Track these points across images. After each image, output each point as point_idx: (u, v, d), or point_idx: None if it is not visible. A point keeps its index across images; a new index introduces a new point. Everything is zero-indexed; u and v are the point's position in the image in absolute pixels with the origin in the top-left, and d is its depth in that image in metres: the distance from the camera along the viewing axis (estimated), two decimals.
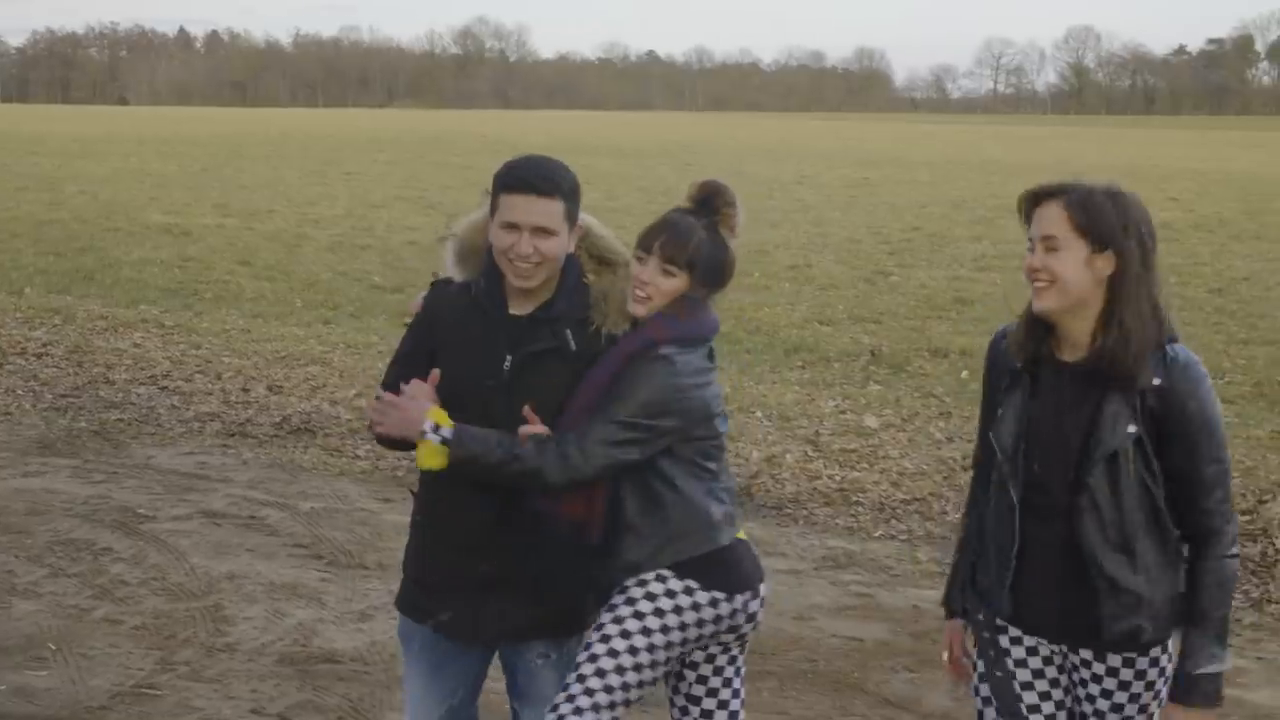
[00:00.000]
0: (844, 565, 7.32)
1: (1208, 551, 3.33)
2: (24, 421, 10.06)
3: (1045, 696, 3.52)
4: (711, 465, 3.59)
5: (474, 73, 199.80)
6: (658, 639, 3.52)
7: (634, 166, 41.54)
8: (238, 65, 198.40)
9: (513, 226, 3.52)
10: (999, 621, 3.53)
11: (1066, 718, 3.54)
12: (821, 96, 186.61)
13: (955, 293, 16.53)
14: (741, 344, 13.08)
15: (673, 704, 3.76)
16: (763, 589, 3.67)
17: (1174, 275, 18.17)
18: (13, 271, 17.72)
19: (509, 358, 3.60)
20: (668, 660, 3.58)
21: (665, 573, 3.54)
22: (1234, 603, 6.55)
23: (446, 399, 3.57)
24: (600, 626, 3.56)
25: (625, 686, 3.52)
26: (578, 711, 3.47)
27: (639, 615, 3.52)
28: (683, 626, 3.54)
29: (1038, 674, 3.52)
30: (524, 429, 3.51)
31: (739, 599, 3.58)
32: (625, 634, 3.52)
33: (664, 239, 3.52)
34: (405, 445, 3.59)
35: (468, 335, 3.65)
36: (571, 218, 3.61)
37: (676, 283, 3.52)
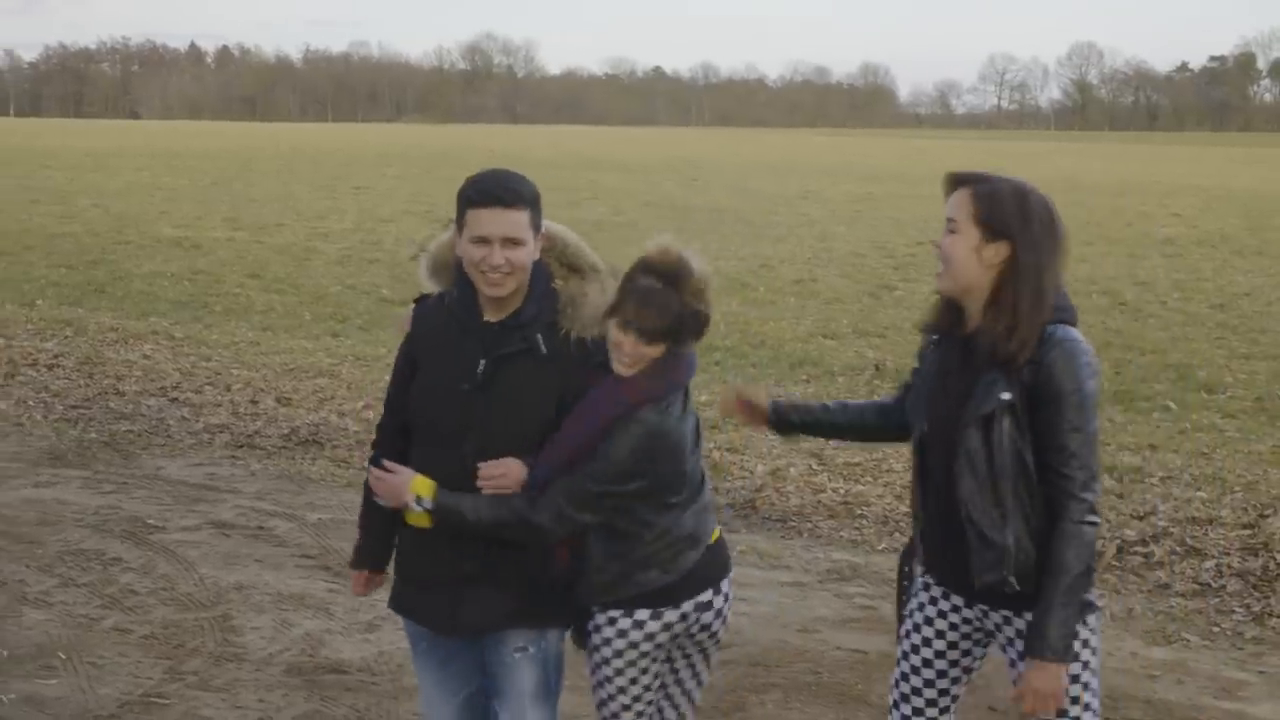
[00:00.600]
0: (848, 578, 7.35)
1: (1065, 515, 3.50)
2: (35, 432, 10.12)
3: (940, 655, 3.82)
4: (674, 499, 3.76)
5: (481, 88, 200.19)
6: (628, 675, 3.84)
7: (639, 181, 41.61)
8: (248, 80, 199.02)
9: (483, 240, 3.66)
10: (921, 577, 3.86)
11: (961, 673, 3.85)
12: (826, 112, 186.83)
13: None
14: (747, 358, 13.14)
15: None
16: (724, 584, 3.90)
17: (1177, 290, 18.25)
18: (25, 284, 17.82)
19: (483, 362, 3.76)
20: (656, 676, 3.90)
21: (614, 613, 3.79)
22: (1234, 616, 6.65)
23: (426, 403, 3.83)
24: (591, 674, 3.91)
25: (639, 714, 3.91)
26: None
27: (604, 662, 3.84)
28: (644, 655, 3.82)
29: (943, 631, 3.80)
30: (485, 473, 3.70)
31: (688, 604, 3.82)
32: (602, 683, 3.87)
33: (642, 315, 3.63)
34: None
35: (444, 343, 3.84)
36: (536, 226, 3.74)
37: (658, 349, 3.66)
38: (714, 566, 3.86)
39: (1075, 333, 3.54)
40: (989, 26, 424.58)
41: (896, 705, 3.94)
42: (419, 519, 3.79)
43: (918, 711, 3.89)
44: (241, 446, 9.81)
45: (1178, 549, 7.57)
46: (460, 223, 3.73)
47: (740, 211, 30.62)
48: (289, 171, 44.16)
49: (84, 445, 9.77)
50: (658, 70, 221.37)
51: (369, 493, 4.06)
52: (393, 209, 30.13)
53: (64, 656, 6.01)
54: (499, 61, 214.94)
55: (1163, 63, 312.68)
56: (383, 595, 6.75)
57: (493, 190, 3.68)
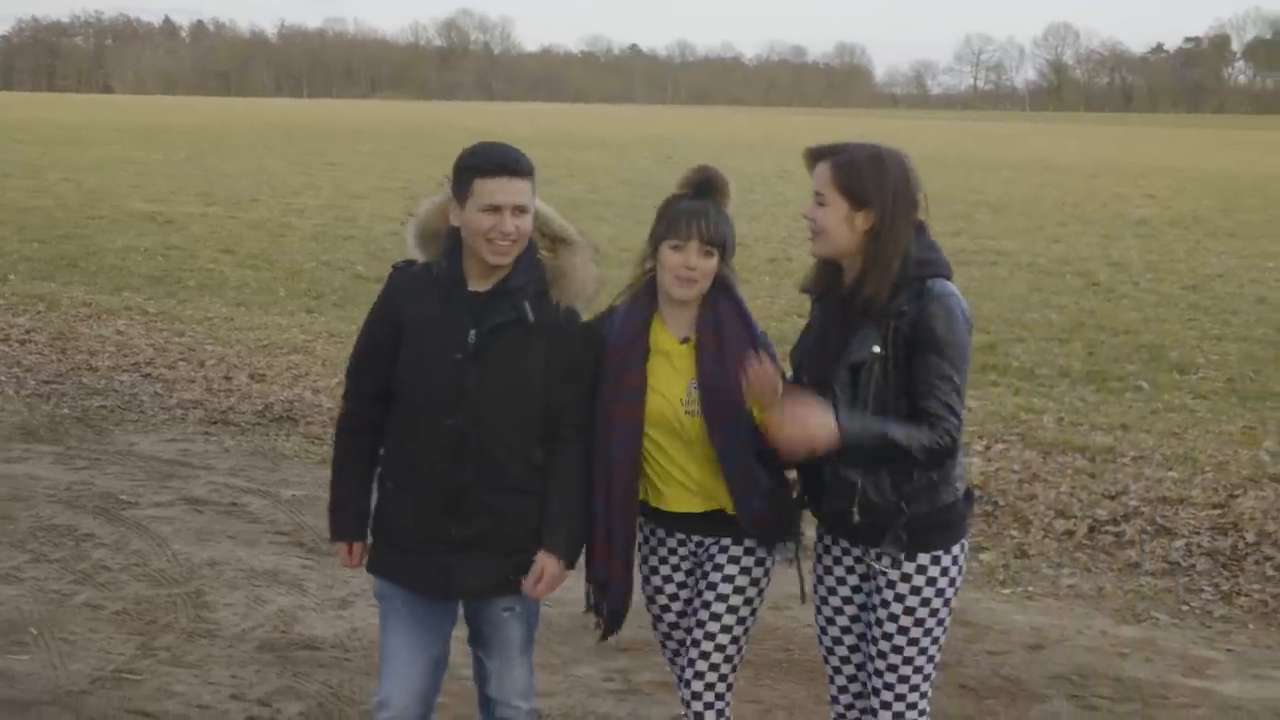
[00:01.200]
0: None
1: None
2: (7, 408, 10.07)
3: (848, 600, 4.03)
4: None
5: (457, 65, 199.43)
6: None
7: (616, 159, 41.57)
8: (222, 55, 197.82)
9: (495, 209, 3.73)
10: (819, 528, 4.08)
11: (861, 625, 4.04)
12: (803, 91, 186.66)
13: None
14: None
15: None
16: None
17: (1150, 271, 18.34)
18: None
19: (473, 331, 3.81)
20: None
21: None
22: (1204, 595, 6.72)
23: (416, 373, 3.86)
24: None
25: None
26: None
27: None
28: None
29: (843, 578, 4.03)
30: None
31: None
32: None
33: (699, 224, 3.80)
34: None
35: (432, 312, 3.87)
36: (534, 195, 3.83)
37: (715, 261, 3.83)
38: None
39: (952, 287, 3.74)
40: (965, 7, 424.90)
41: (825, 658, 4.18)
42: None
43: (844, 660, 4.11)
44: (215, 423, 9.79)
45: (1148, 528, 7.62)
46: (465, 193, 3.77)
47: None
48: (263, 147, 43.95)
49: (56, 421, 9.73)
50: (634, 48, 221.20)
51: (342, 464, 4.09)
52: (367, 185, 30.03)
53: (35, 632, 5.99)
54: (475, 38, 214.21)
55: (1138, 44, 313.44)
56: (356, 572, 6.78)
57: (502, 160, 3.77)
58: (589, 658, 5.81)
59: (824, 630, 4.12)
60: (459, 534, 3.89)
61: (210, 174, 31.97)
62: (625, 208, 24.94)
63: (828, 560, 4.04)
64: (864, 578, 3.99)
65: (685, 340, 3.94)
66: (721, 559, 3.98)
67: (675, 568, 4.14)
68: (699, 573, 4.07)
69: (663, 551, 4.14)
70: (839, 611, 4.06)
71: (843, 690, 4.14)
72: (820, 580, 4.07)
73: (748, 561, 3.99)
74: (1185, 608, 6.66)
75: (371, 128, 60.39)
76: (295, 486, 8.26)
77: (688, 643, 4.02)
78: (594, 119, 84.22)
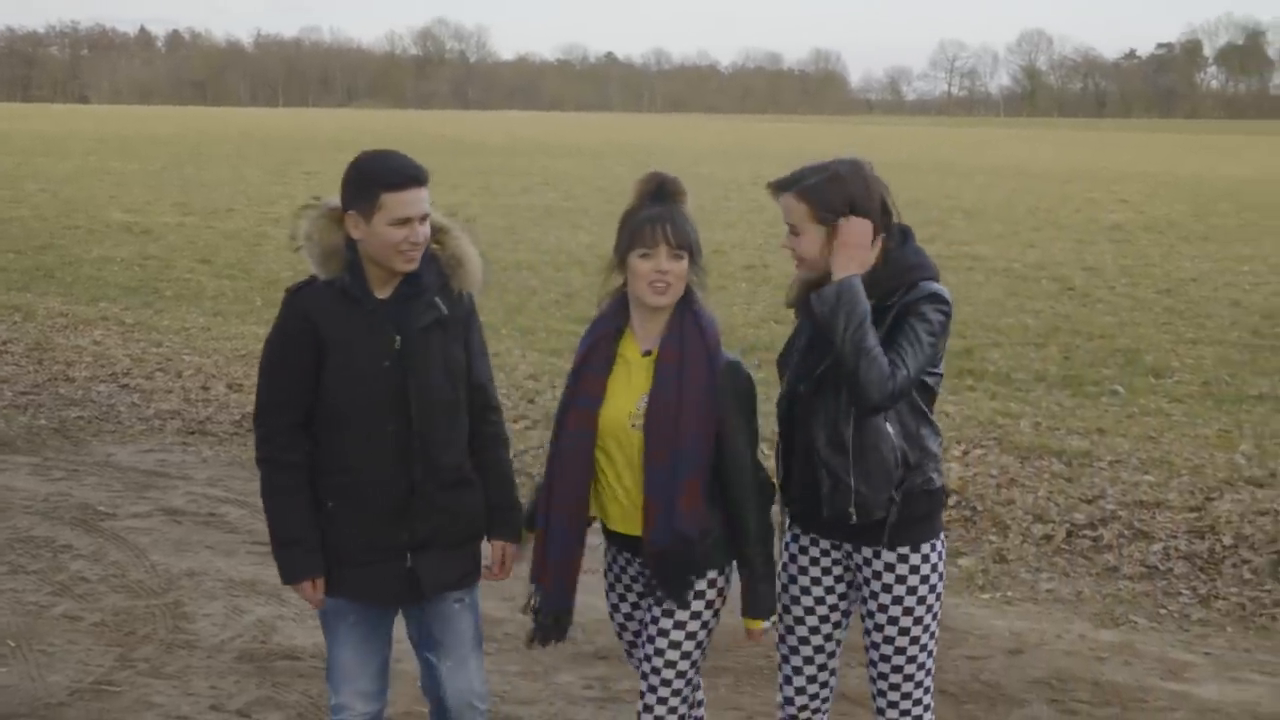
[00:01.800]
0: None
1: None
2: None
3: (820, 601, 4.07)
4: None
5: (434, 73, 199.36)
6: None
7: (592, 167, 41.58)
8: (199, 65, 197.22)
9: (406, 221, 3.78)
10: (789, 530, 4.12)
11: (841, 617, 4.10)
12: (778, 98, 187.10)
13: None
14: None
15: None
16: None
17: (1124, 276, 18.40)
18: None
19: (398, 337, 3.86)
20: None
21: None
22: (1181, 598, 6.74)
23: (344, 388, 3.87)
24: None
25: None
26: None
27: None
28: None
29: (817, 578, 4.06)
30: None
31: None
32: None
33: (663, 229, 3.79)
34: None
35: (352, 326, 3.88)
36: None
37: (684, 264, 3.81)
38: None
39: (941, 287, 3.85)
40: (940, 13, 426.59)
41: (786, 659, 4.17)
42: None
43: (808, 660, 4.13)
44: (193, 433, 9.77)
45: (1126, 532, 7.64)
46: (370, 207, 3.78)
47: (692, 197, 30.57)
48: (240, 156, 43.85)
49: (33, 432, 9.70)
50: (610, 56, 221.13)
51: (281, 500, 3.98)
52: None
53: (13, 644, 5.98)
54: (451, 47, 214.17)
55: (1111, 50, 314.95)
56: None
57: (409, 171, 3.83)
58: (568, 665, 5.81)
59: (790, 630, 4.12)
60: (415, 536, 3.94)
61: (187, 184, 31.92)
62: (601, 215, 24.94)
63: (803, 560, 4.06)
64: (850, 585, 4.04)
65: (647, 353, 3.88)
66: (669, 603, 3.90)
67: (628, 588, 4.12)
68: (646, 603, 4.01)
69: (615, 569, 4.12)
70: (810, 612, 4.08)
71: (800, 691, 4.15)
72: (794, 580, 4.09)
73: (698, 605, 3.91)
74: (1163, 611, 6.68)
75: (348, 137, 60.21)
76: None
77: (644, 669, 3.96)
78: (570, 127, 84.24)
